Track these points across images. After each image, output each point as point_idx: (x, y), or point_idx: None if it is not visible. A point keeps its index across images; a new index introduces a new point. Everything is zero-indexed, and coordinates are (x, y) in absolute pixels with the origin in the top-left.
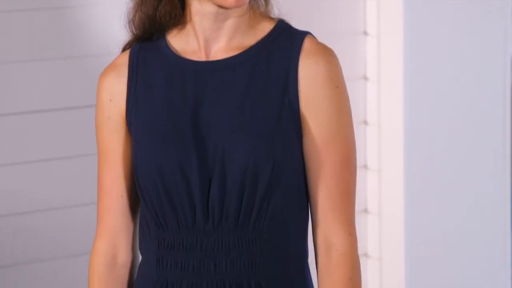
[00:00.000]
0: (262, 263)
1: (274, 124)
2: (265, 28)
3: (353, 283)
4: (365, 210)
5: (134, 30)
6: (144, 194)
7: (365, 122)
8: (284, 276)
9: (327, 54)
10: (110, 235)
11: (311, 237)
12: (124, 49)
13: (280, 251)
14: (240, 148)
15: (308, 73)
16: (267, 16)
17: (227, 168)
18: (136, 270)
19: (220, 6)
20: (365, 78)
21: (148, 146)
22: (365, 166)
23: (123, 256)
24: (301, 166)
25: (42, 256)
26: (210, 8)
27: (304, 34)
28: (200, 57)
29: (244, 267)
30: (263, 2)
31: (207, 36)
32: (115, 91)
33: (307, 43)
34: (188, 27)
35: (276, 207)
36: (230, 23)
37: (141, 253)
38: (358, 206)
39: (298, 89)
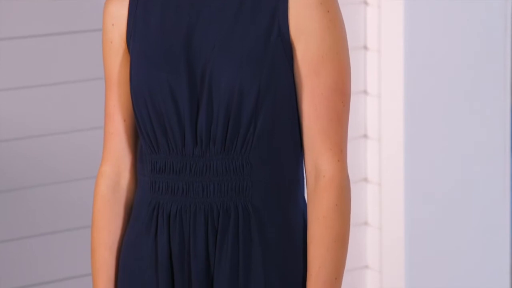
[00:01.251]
0: (250, 188)
1: (262, 49)
2: None
3: (339, 209)
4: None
5: None
6: (138, 117)
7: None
8: (272, 203)
9: None
10: (114, 159)
11: None
12: None
13: (269, 177)
14: (226, 70)
15: None
16: None
17: (214, 92)
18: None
19: None
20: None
21: (141, 70)
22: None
23: (126, 180)
24: (293, 93)
25: (45, 181)
26: None
27: None
28: None
29: (231, 191)
30: None
31: None
32: (118, 15)
33: None
34: None
35: (264, 132)
36: None
37: (140, 174)
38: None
39: (288, 14)
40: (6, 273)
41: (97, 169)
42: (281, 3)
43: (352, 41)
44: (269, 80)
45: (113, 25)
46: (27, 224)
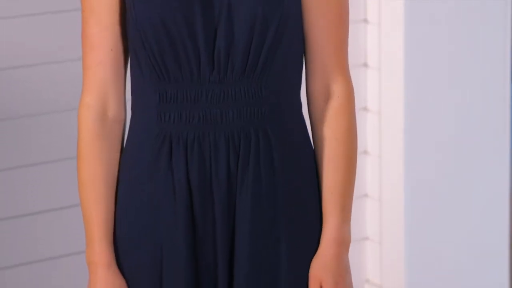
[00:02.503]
0: (268, 112)
1: None
2: None
3: (354, 128)
4: (365, 152)
5: None
6: (145, 46)
7: (366, 109)
8: (287, 125)
9: None
10: (100, 89)
11: None
12: None
13: (284, 101)
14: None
15: None
16: None
17: (234, 17)
18: (127, 126)
19: None
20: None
21: None
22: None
23: (114, 111)
24: (300, 19)
25: (44, 111)
26: None
27: None
28: None
29: (251, 116)
30: None
31: None
32: None
33: None
34: None
35: (282, 57)
36: None
37: (135, 110)
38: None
39: None
40: (4, 201)
41: None
42: None
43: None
44: (288, 7)
45: None
46: (24, 152)
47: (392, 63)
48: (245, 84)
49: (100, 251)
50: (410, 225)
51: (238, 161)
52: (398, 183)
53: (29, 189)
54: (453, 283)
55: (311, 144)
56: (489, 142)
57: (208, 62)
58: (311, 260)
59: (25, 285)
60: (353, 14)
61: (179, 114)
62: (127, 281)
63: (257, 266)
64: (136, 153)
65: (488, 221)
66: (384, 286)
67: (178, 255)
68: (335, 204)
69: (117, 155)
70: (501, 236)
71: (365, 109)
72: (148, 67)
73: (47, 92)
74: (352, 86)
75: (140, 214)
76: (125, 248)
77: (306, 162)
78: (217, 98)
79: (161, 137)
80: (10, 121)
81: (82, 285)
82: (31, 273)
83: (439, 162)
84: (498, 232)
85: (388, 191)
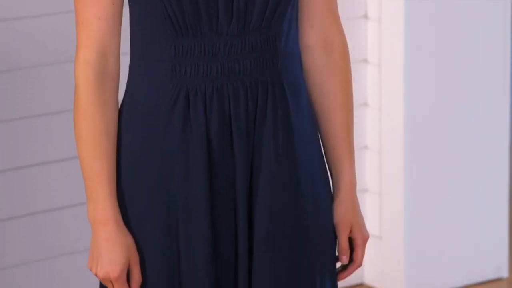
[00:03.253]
0: (281, 62)
1: None
2: None
3: (351, 76)
4: (365, 147)
5: None
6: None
7: (366, 104)
8: (296, 73)
9: None
10: (100, 45)
11: None
12: None
13: (291, 51)
14: None
15: None
16: None
17: None
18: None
19: None
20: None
21: None
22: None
23: (113, 66)
24: None
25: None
26: None
27: None
28: None
29: (267, 66)
30: None
31: None
32: None
33: None
34: None
35: (293, 8)
36: None
37: (138, 63)
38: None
39: None
40: (5, 153)
41: None
42: None
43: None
44: None
45: None
46: (25, 104)
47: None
48: (262, 34)
49: (106, 208)
50: (410, 179)
51: (256, 112)
52: (398, 135)
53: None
54: (452, 233)
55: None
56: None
57: (227, 13)
58: (329, 209)
59: (23, 236)
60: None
61: (196, 68)
62: (135, 238)
63: (278, 216)
64: (146, 107)
65: (488, 173)
66: (383, 237)
67: (197, 206)
68: (347, 151)
69: (116, 110)
70: (501, 191)
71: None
72: (162, 20)
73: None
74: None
75: (154, 168)
76: (135, 203)
77: (310, 106)
78: (235, 50)
79: (176, 90)
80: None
81: (80, 240)
82: (29, 225)
83: (439, 115)
84: (498, 185)
85: (388, 143)
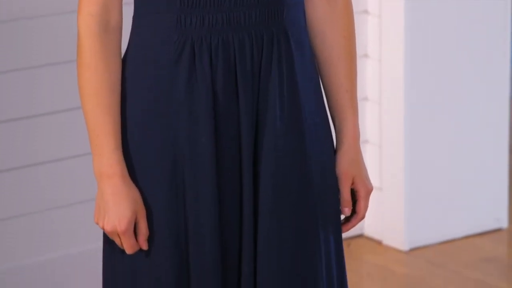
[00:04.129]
0: (286, 12)
1: None
2: None
3: (353, 30)
4: (366, 98)
5: None
6: None
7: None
8: (300, 26)
9: None
10: None
11: None
12: None
13: (296, 1)
14: None
15: None
16: None
17: None
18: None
19: None
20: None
21: None
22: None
23: (116, 18)
24: None
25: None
26: None
27: None
28: None
29: (271, 16)
30: None
31: None
32: None
33: None
34: None
35: None
36: None
37: (141, 14)
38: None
39: None
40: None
41: None
42: None
43: None
44: None
45: None
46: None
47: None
48: None
49: (113, 161)
50: (410, 130)
51: (261, 62)
52: (399, 86)
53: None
54: (452, 185)
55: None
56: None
57: None
58: (333, 164)
59: (25, 186)
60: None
61: (201, 19)
62: (141, 193)
63: (283, 162)
64: (150, 59)
65: (488, 124)
66: (383, 189)
67: (202, 159)
68: (350, 102)
69: (120, 63)
70: (501, 142)
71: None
72: None
73: None
74: None
75: (159, 120)
76: (141, 157)
77: (313, 57)
78: (241, 0)
79: (181, 42)
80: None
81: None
82: (29, 176)
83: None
84: (498, 136)
85: (389, 94)
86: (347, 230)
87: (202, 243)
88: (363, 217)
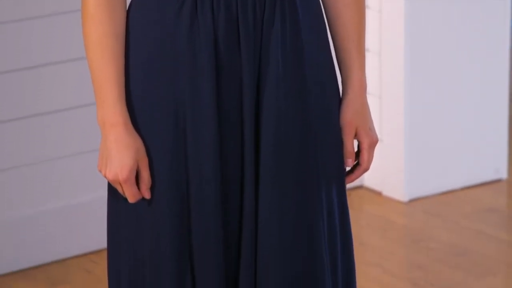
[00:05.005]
0: None
1: None
2: None
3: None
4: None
5: None
6: None
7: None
8: None
9: None
10: None
11: None
12: None
13: None
14: None
15: None
16: None
17: None
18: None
19: None
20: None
21: None
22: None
23: None
24: None
25: None
26: None
27: None
28: None
29: None
30: None
31: None
32: None
33: None
34: None
35: None
36: None
37: None
38: None
39: None
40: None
41: None
42: None
43: None
44: None
45: None
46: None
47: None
48: None
49: (116, 110)
50: (410, 81)
51: (264, 12)
52: (399, 37)
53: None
54: (452, 136)
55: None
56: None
57: None
58: (335, 111)
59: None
60: None
61: None
62: (144, 142)
63: (285, 122)
64: (153, 11)
65: (488, 74)
66: (383, 140)
67: (204, 107)
68: (358, 51)
69: (124, 13)
70: (501, 93)
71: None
72: None
73: None
74: None
75: (162, 71)
76: (144, 107)
77: (322, 18)
78: None
79: (188, 6)
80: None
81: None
82: (33, 127)
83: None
84: (498, 87)
85: (388, 45)
86: (351, 181)
87: (203, 194)
88: (366, 169)
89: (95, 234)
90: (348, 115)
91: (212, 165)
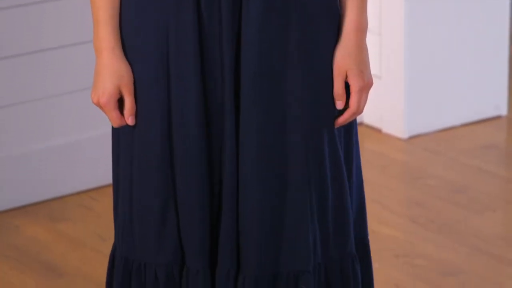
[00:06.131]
0: None
1: None
2: None
3: None
4: None
5: None
6: None
7: None
8: None
9: None
10: None
11: None
12: None
13: None
14: None
15: None
16: None
17: None
18: None
19: None
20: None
21: None
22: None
23: None
24: None
25: None
26: None
27: None
28: None
29: None
30: None
31: None
32: None
33: None
34: None
35: None
36: None
37: None
38: None
39: None
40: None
41: None
42: None
43: None
44: None
45: None
46: None
47: None
48: None
49: (104, 35)
50: (410, 17)
51: None
52: None
53: None
54: (452, 73)
55: None
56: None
57: None
58: (326, 48)
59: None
60: None
61: None
62: (131, 65)
63: (266, 55)
64: None
65: (488, 11)
66: (383, 77)
67: (187, 36)
68: None
69: None
70: (501, 29)
71: None
72: None
73: None
74: None
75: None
76: (133, 34)
77: None
78: None
79: None
80: None
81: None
82: (34, 63)
83: None
84: (498, 23)
85: None
86: (339, 124)
87: (185, 119)
88: (355, 111)
89: (94, 172)
90: (338, 57)
91: (194, 96)
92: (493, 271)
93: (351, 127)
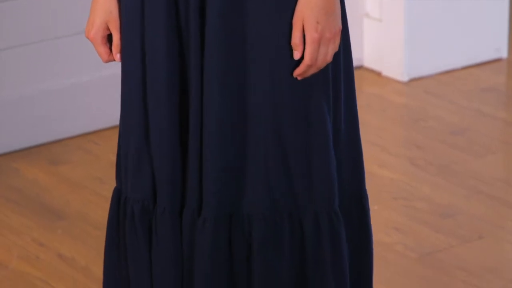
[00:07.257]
0: None
1: None
2: None
3: None
4: None
5: None
6: None
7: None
8: None
9: None
10: None
11: None
12: None
13: None
14: None
15: None
16: None
17: None
18: None
19: None
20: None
21: None
22: None
23: None
24: None
25: None
26: None
27: None
28: None
29: None
30: None
31: None
32: None
33: None
34: None
35: None
36: None
37: None
38: None
39: None
40: None
41: None
42: None
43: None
44: None
45: None
46: None
47: None
48: None
49: None
50: None
51: None
52: None
53: None
54: (452, 15)
55: None
56: None
57: None
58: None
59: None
60: None
61: None
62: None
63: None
64: None
65: None
66: (383, 20)
67: None
68: None
69: None
70: None
71: None
72: None
73: None
74: None
75: None
76: None
77: None
78: None
79: None
80: None
81: None
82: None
83: None
84: None
85: None
86: (296, 75)
87: (156, 67)
88: (309, 64)
89: (95, 115)
90: (298, 5)
91: (164, 36)
92: (493, 213)
93: (336, 83)
